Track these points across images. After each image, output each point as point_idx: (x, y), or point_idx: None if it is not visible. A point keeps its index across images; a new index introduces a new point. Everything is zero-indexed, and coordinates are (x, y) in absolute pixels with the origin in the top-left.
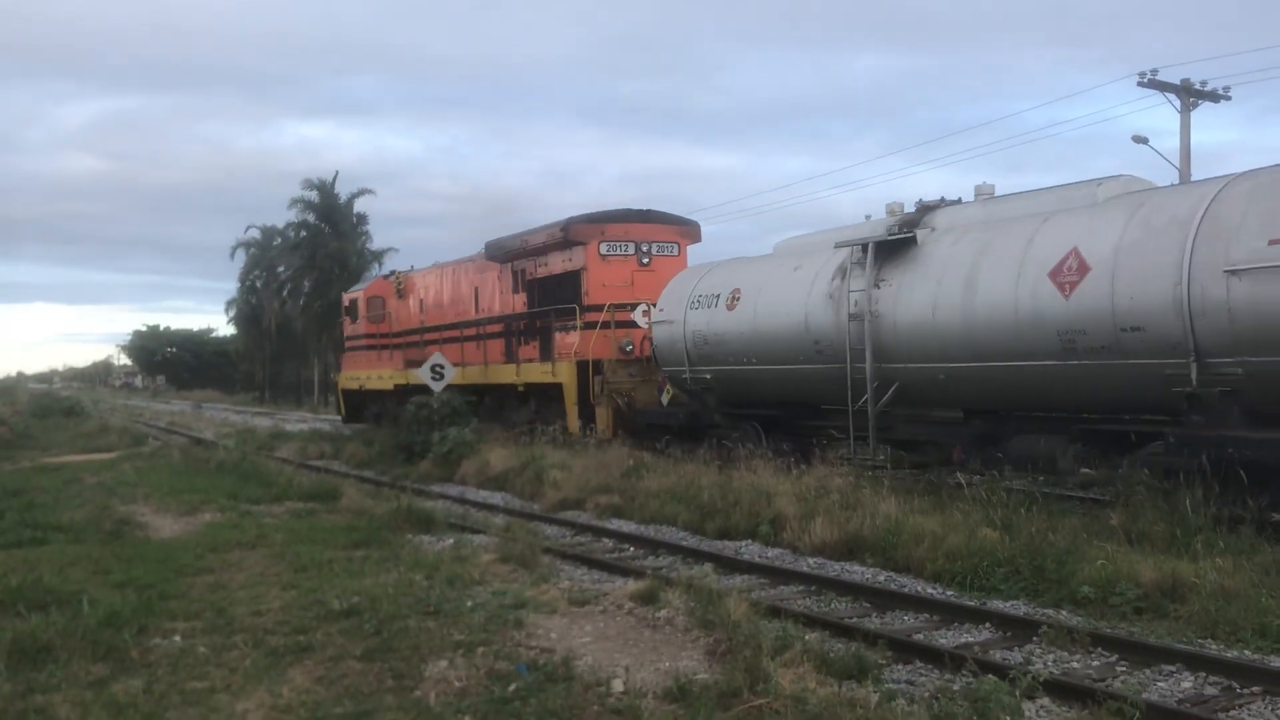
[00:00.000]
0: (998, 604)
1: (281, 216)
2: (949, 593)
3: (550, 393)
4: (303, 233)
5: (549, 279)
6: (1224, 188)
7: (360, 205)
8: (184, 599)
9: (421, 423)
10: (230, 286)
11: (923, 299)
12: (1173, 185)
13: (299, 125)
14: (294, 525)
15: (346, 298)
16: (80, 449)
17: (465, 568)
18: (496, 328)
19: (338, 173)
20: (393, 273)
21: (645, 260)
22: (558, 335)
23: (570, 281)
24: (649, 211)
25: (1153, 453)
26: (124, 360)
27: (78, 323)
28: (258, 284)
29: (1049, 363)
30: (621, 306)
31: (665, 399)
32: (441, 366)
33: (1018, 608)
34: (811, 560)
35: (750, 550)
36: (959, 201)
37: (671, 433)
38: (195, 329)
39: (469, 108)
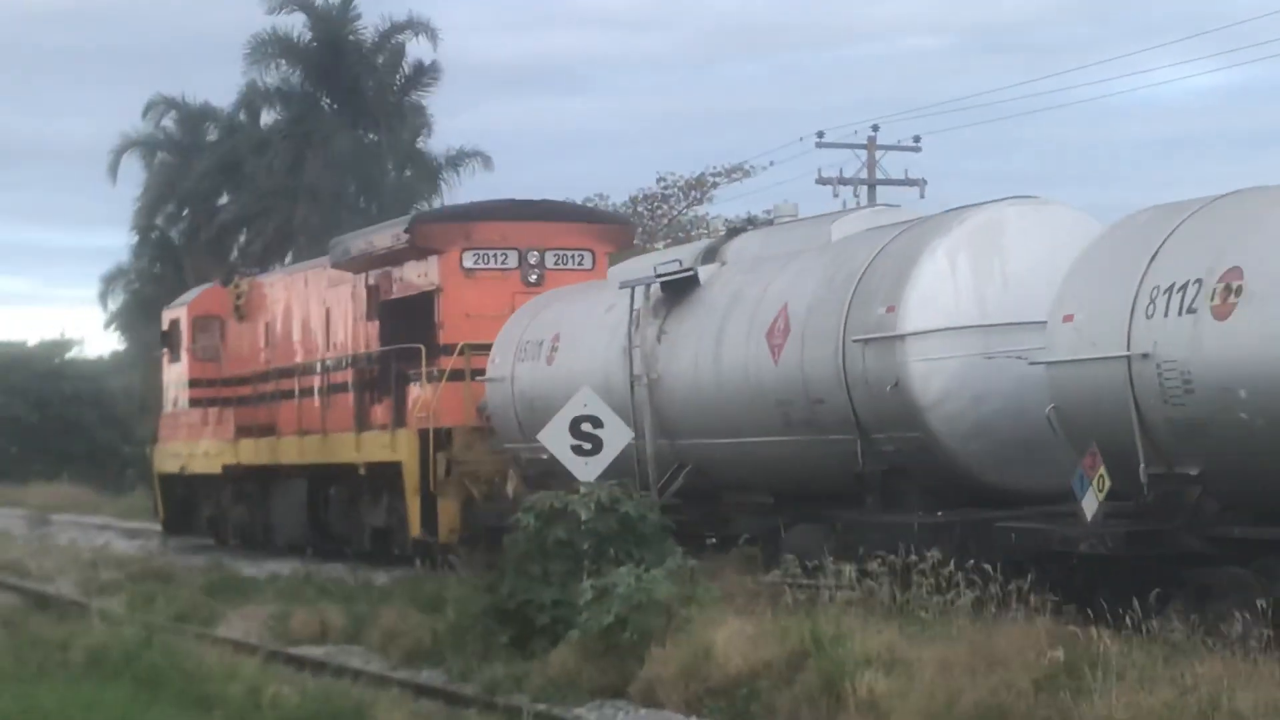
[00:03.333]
0: None
1: (226, 79)
2: None
3: (396, 478)
4: (275, 110)
5: (404, 301)
6: (897, 236)
7: (414, 52)
8: None
9: (546, 557)
10: (112, 242)
11: (689, 356)
12: (883, 226)
13: None
14: None
15: (166, 318)
16: None
17: None
18: (344, 375)
19: None
20: (235, 277)
21: (535, 277)
22: (411, 388)
23: (424, 307)
24: (543, 203)
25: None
26: None
27: None
28: (173, 235)
29: (775, 438)
30: (489, 348)
31: (510, 488)
32: (594, 424)
33: None
34: None
35: None
36: (771, 224)
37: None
38: (34, 343)
39: None
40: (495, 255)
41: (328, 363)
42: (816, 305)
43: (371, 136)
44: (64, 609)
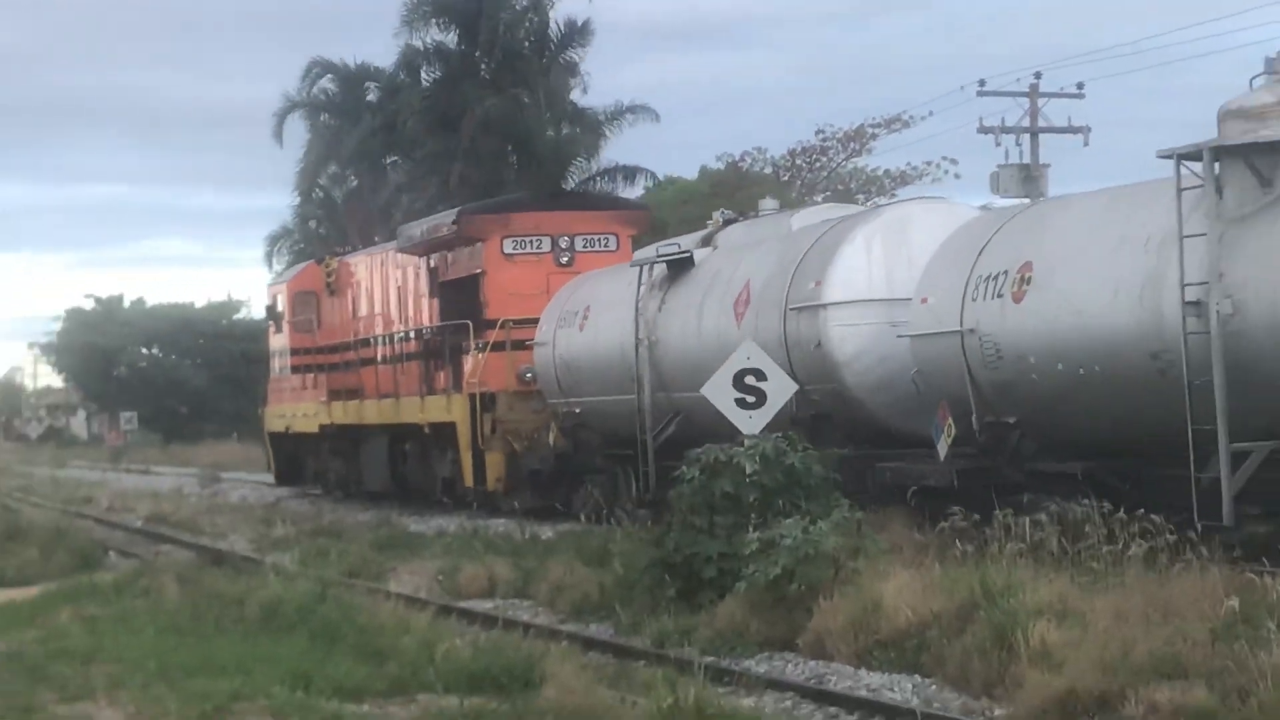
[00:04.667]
0: None
1: (382, 41)
2: None
3: (453, 435)
4: (433, 69)
5: (457, 282)
6: (833, 226)
7: (569, 8)
8: None
9: (712, 510)
10: (276, 203)
11: (680, 323)
12: (825, 221)
13: None
14: None
15: (270, 292)
16: None
17: None
18: (413, 345)
19: None
20: (324, 257)
21: (566, 259)
22: (465, 358)
23: (472, 287)
24: (572, 194)
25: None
26: (48, 377)
27: None
28: (337, 196)
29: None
30: (527, 322)
31: (551, 438)
32: (758, 376)
33: None
34: None
35: None
36: (757, 216)
37: (546, 484)
38: (202, 304)
39: None
40: (531, 241)
41: (399, 335)
42: (770, 281)
43: (525, 99)
44: (238, 565)
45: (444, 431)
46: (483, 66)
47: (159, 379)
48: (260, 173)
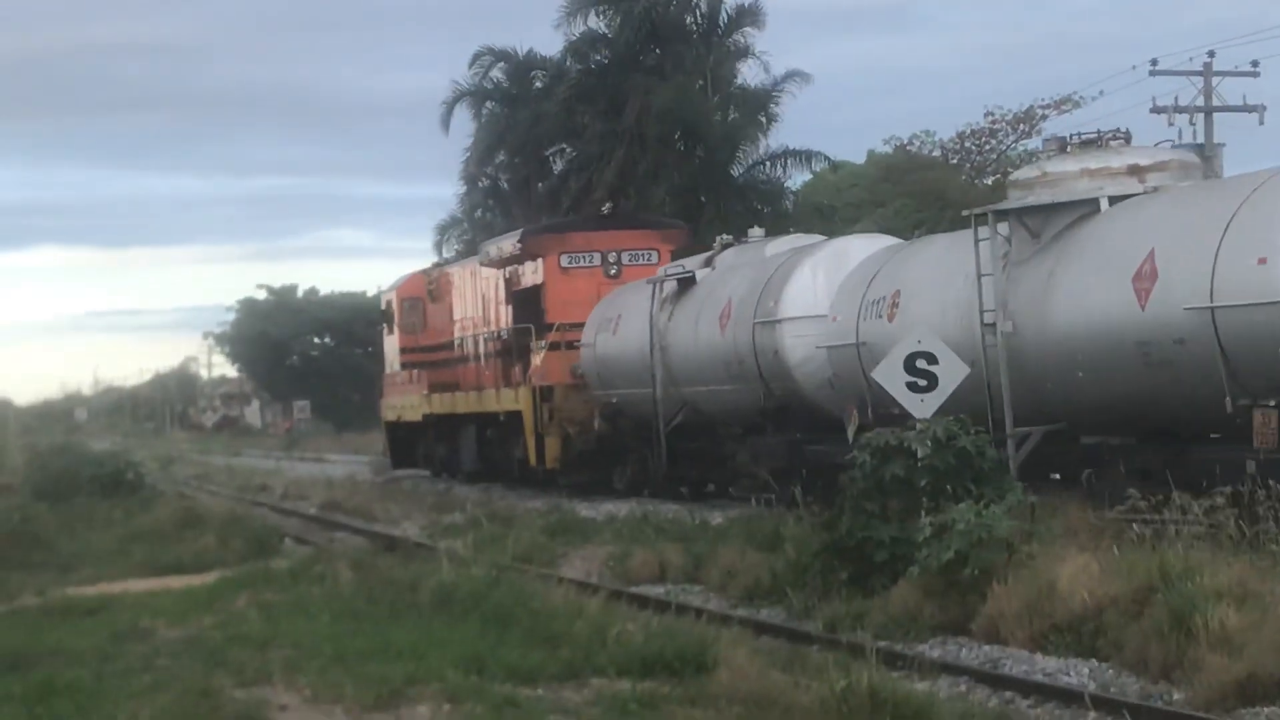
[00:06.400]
0: None
1: (544, 29)
2: None
3: (521, 422)
4: (601, 56)
5: (525, 291)
6: (792, 255)
7: None
8: None
9: (884, 494)
10: (446, 192)
11: (682, 332)
12: (795, 248)
13: None
14: None
15: (383, 299)
16: (141, 566)
17: None
18: (495, 345)
19: None
20: (431, 268)
21: (614, 272)
22: (531, 357)
23: (535, 297)
24: (618, 216)
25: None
26: (222, 367)
27: (124, 290)
28: (502, 183)
29: (723, 387)
30: (580, 325)
31: (596, 425)
32: (929, 360)
33: None
34: None
35: None
36: (747, 242)
37: (592, 462)
38: (373, 293)
39: None
40: (584, 257)
41: (483, 336)
42: (744, 300)
43: (693, 83)
44: (411, 551)
45: (515, 419)
46: (648, 52)
47: (331, 368)
48: (429, 162)
